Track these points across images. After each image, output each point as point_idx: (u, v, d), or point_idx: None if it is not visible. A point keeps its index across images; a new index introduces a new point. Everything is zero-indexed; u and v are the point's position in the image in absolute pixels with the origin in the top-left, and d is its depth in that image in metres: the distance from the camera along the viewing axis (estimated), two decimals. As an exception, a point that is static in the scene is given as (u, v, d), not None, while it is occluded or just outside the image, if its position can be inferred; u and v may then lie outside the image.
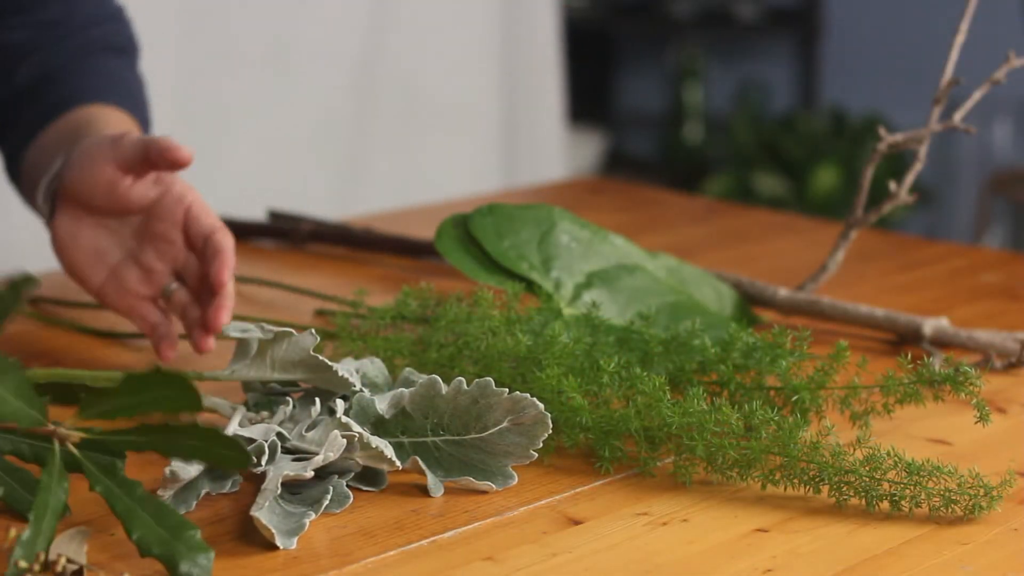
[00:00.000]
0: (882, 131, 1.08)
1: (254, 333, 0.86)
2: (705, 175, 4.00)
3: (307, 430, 0.81)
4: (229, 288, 0.95)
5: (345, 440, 0.79)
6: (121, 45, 1.22)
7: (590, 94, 4.29)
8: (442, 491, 0.82)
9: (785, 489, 0.81)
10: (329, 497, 0.78)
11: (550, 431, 0.81)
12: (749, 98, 4.12)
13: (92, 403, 0.75)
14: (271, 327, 0.86)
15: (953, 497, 0.78)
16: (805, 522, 0.79)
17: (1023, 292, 1.24)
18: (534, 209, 1.03)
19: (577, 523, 0.79)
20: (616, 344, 0.93)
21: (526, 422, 0.81)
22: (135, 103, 1.17)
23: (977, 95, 1.07)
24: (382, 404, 0.83)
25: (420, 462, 0.82)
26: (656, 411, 0.82)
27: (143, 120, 1.17)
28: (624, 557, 0.75)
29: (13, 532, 0.74)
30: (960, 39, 1.07)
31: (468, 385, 0.81)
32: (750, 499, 0.81)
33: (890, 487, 0.79)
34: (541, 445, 0.81)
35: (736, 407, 0.82)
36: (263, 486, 0.77)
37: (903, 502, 0.79)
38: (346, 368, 0.84)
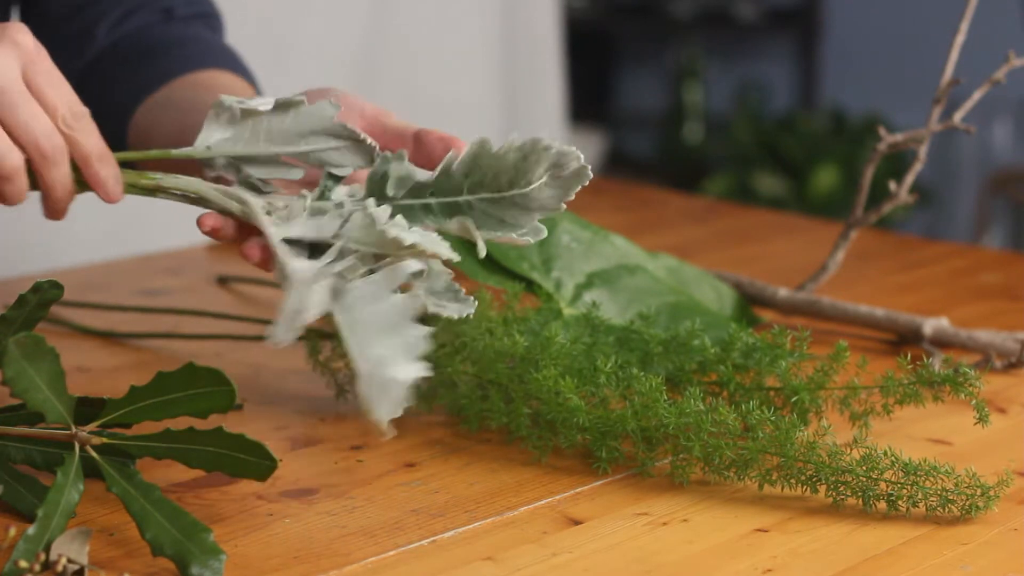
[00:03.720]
0: (882, 131, 1.08)
1: (253, 103, 0.81)
2: (705, 175, 4.00)
3: (336, 213, 0.78)
4: None
5: (414, 265, 0.75)
6: (215, 27, 1.20)
7: (590, 94, 4.29)
8: (485, 250, 0.80)
9: (783, 489, 0.81)
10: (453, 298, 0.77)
11: (587, 182, 0.80)
12: (749, 98, 4.12)
13: (119, 405, 0.75)
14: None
15: (950, 497, 0.78)
16: (805, 522, 0.79)
17: (1023, 292, 1.24)
18: (534, 209, 1.03)
19: (577, 523, 0.79)
20: (616, 344, 0.93)
21: (565, 175, 0.80)
22: (250, 74, 1.14)
23: (977, 95, 1.07)
24: (423, 173, 0.80)
25: (468, 223, 0.79)
26: (653, 411, 0.82)
27: (259, 89, 1.13)
28: (624, 557, 0.75)
29: (13, 531, 0.74)
30: (960, 39, 1.07)
31: (519, 142, 0.79)
32: (750, 499, 0.81)
33: (887, 487, 0.79)
34: (573, 197, 0.80)
35: (735, 407, 0.82)
36: (367, 388, 0.71)
37: (900, 502, 0.79)
38: (365, 136, 0.81)
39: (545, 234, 0.80)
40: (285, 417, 0.94)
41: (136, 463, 0.77)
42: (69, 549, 0.72)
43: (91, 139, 0.85)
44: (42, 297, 0.77)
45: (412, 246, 0.76)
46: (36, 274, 1.18)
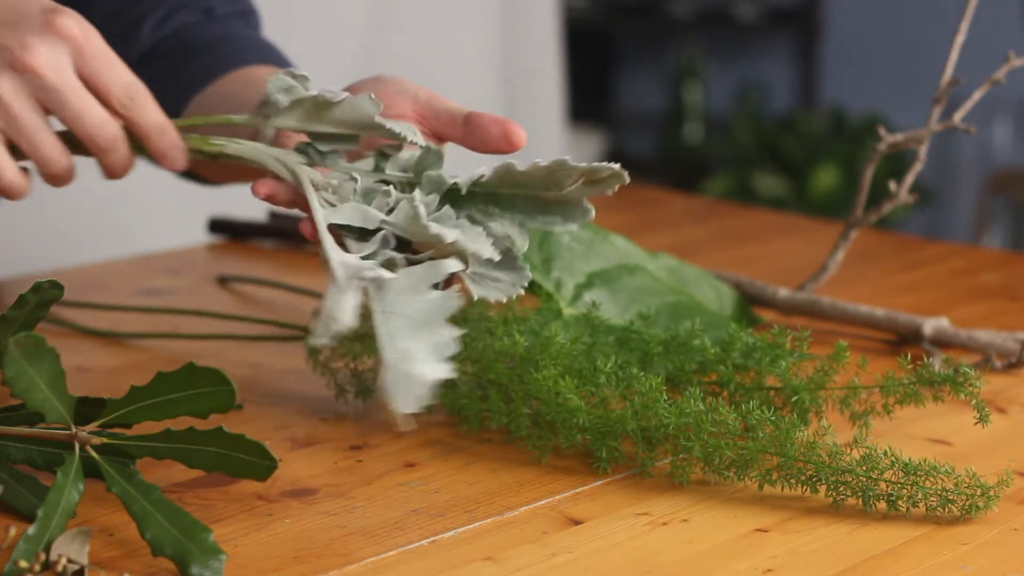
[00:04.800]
0: (882, 131, 1.08)
1: (301, 92, 0.82)
2: (705, 175, 4.00)
3: (389, 212, 0.78)
4: None
5: (454, 264, 0.76)
6: (253, 25, 1.21)
7: (590, 94, 4.29)
8: (527, 244, 0.81)
9: (783, 489, 0.81)
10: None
11: (626, 182, 0.80)
12: (749, 98, 4.12)
13: (119, 405, 0.75)
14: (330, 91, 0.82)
15: (950, 497, 0.78)
16: (805, 522, 0.79)
17: (1023, 292, 1.24)
18: (534, 209, 1.03)
19: (577, 523, 0.79)
20: (616, 344, 0.93)
21: (601, 179, 0.80)
22: (290, 65, 1.15)
23: (977, 95, 1.07)
24: (458, 180, 0.81)
25: (503, 218, 0.81)
26: (653, 411, 0.82)
27: None
28: (624, 557, 0.75)
29: (13, 531, 0.74)
30: (960, 39, 1.07)
31: (544, 162, 0.80)
32: (750, 499, 0.81)
33: (887, 487, 0.79)
34: (616, 190, 0.80)
35: (735, 407, 0.82)
36: (395, 385, 0.72)
37: (900, 502, 0.79)
38: (412, 129, 0.82)
39: (593, 214, 0.81)
40: (285, 417, 0.94)
41: (136, 463, 0.77)
42: (69, 549, 0.72)
43: (148, 115, 0.86)
44: (42, 297, 0.77)
45: (453, 243, 0.77)
46: (36, 274, 1.18)
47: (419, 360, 0.73)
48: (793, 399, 0.87)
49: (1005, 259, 1.41)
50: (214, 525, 0.76)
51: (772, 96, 4.13)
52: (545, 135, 2.59)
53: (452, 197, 0.81)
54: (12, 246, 1.65)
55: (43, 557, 0.71)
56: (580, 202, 0.81)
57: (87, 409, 0.77)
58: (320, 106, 0.82)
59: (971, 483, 0.78)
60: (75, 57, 0.85)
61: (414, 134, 0.82)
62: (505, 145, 0.87)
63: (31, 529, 0.71)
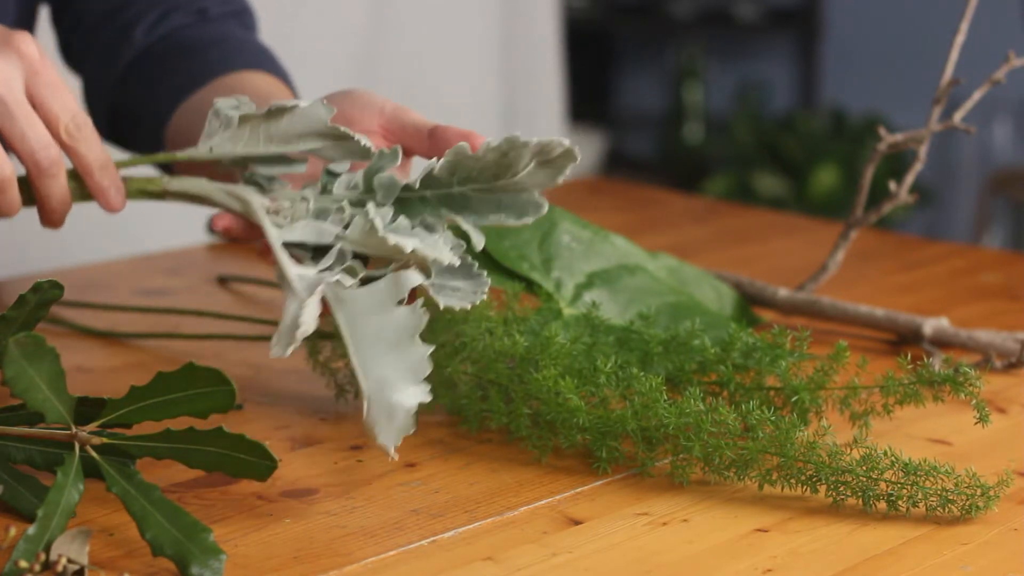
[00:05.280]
0: (882, 131, 1.08)
1: (249, 108, 0.81)
2: (705, 175, 4.00)
3: (344, 227, 0.78)
4: None
5: (416, 277, 0.76)
6: (248, 24, 1.20)
7: (590, 94, 4.29)
8: (483, 241, 0.81)
9: (783, 489, 0.81)
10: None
11: (577, 160, 0.80)
12: (749, 98, 4.12)
13: (119, 405, 0.75)
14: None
15: (950, 497, 0.78)
16: (805, 522, 0.79)
17: (1023, 292, 1.24)
18: (534, 209, 1.03)
19: (577, 523, 0.79)
20: (616, 344, 0.93)
21: (553, 159, 0.80)
22: (284, 72, 1.15)
23: (977, 95, 1.07)
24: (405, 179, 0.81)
25: (456, 219, 0.80)
26: (653, 411, 0.82)
27: (293, 88, 1.14)
28: (624, 557, 0.75)
29: (13, 531, 0.74)
30: (960, 39, 1.07)
31: (495, 143, 0.80)
32: (750, 499, 0.81)
33: (887, 487, 0.79)
34: (568, 174, 0.81)
35: (735, 407, 0.82)
36: (375, 415, 0.74)
37: (900, 502, 0.79)
38: (361, 136, 0.82)
39: (546, 208, 0.82)
40: (285, 417, 0.94)
41: (136, 463, 0.77)
42: (69, 549, 0.72)
43: (93, 149, 0.86)
44: (42, 297, 0.77)
45: (413, 252, 0.76)
46: (36, 274, 1.18)
47: (396, 387, 0.73)
48: (793, 399, 0.87)
49: (1005, 259, 1.41)
50: (214, 525, 0.76)
51: (772, 96, 4.13)
52: (545, 135, 2.59)
53: (404, 205, 0.81)
54: (12, 246, 1.65)
55: (43, 557, 0.71)
56: (533, 195, 0.81)
57: (87, 409, 0.77)
58: (273, 115, 0.81)
59: (971, 483, 0.78)
60: (28, 78, 0.85)
61: (366, 141, 0.82)
62: None
63: (31, 529, 0.71)
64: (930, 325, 1.07)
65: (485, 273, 0.82)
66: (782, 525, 0.78)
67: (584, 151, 4.03)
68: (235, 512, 0.79)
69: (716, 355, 0.90)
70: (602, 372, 0.85)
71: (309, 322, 0.74)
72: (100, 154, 0.86)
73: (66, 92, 0.86)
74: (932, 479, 0.78)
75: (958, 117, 1.06)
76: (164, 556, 0.71)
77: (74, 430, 0.76)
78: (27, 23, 1.18)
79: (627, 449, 0.84)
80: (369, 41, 2.27)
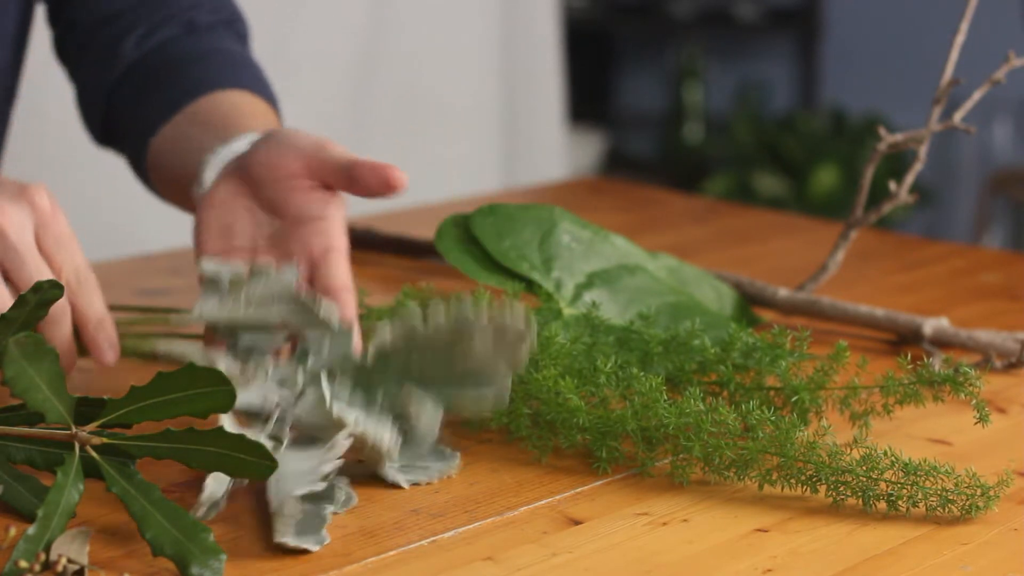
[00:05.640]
0: (882, 131, 1.08)
1: (226, 270, 0.84)
2: (705, 175, 4.00)
3: (297, 399, 0.79)
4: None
5: (349, 440, 0.78)
6: (240, 32, 1.20)
7: (590, 94, 4.29)
8: (436, 423, 0.81)
9: (783, 489, 0.81)
10: (343, 494, 0.78)
11: (532, 343, 0.81)
12: (749, 98, 4.12)
13: (119, 405, 0.75)
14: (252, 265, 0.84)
15: (950, 497, 0.78)
16: (805, 522, 0.79)
17: (1023, 292, 1.24)
18: (535, 209, 1.03)
19: (577, 523, 0.79)
20: (616, 344, 0.93)
21: (508, 341, 0.80)
22: (266, 88, 1.15)
23: (977, 95, 1.07)
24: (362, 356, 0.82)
25: (413, 399, 0.81)
26: (653, 411, 0.82)
27: (274, 103, 1.15)
28: (624, 557, 0.75)
29: (13, 531, 0.74)
30: (960, 39, 1.07)
31: (445, 319, 0.80)
32: (750, 499, 0.81)
33: (887, 487, 0.79)
34: (528, 357, 0.81)
35: (735, 407, 0.82)
36: (277, 511, 0.76)
37: (900, 502, 0.79)
38: (328, 306, 0.83)
39: (507, 400, 0.82)
40: (285, 417, 0.93)
41: (136, 463, 0.77)
42: (69, 549, 0.72)
43: (92, 304, 0.90)
44: (42, 297, 0.77)
45: (355, 428, 0.78)
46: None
47: (295, 533, 0.74)
48: (793, 399, 0.87)
49: (1005, 259, 1.41)
50: (214, 525, 0.76)
51: (772, 96, 4.13)
52: (545, 135, 2.59)
53: (363, 378, 0.82)
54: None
55: (43, 557, 0.71)
56: (493, 374, 0.81)
57: (87, 409, 0.77)
58: (252, 277, 0.84)
59: (971, 483, 0.78)
60: (39, 228, 0.89)
61: (330, 312, 0.83)
62: (386, 190, 0.90)
63: (31, 529, 0.71)
64: (930, 325, 1.07)
65: (457, 454, 0.84)
66: (782, 525, 0.78)
67: (584, 151, 4.04)
68: (235, 512, 0.79)
69: (716, 355, 0.90)
70: (602, 372, 0.85)
71: (223, 501, 0.77)
72: (99, 309, 0.90)
73: (73, 245, 0.89)
74: (932, 479, 0.78)
75: (958, 117, 1.06)
76: (164, 556, 0.71)
77: (74, 430, 0.76)
78: (26, 20, 1.19)
79: (627, 449, 0.84)
80: (369, 41, 2.27)
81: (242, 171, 0.96)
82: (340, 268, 0.92)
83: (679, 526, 0.78)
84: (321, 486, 0.77)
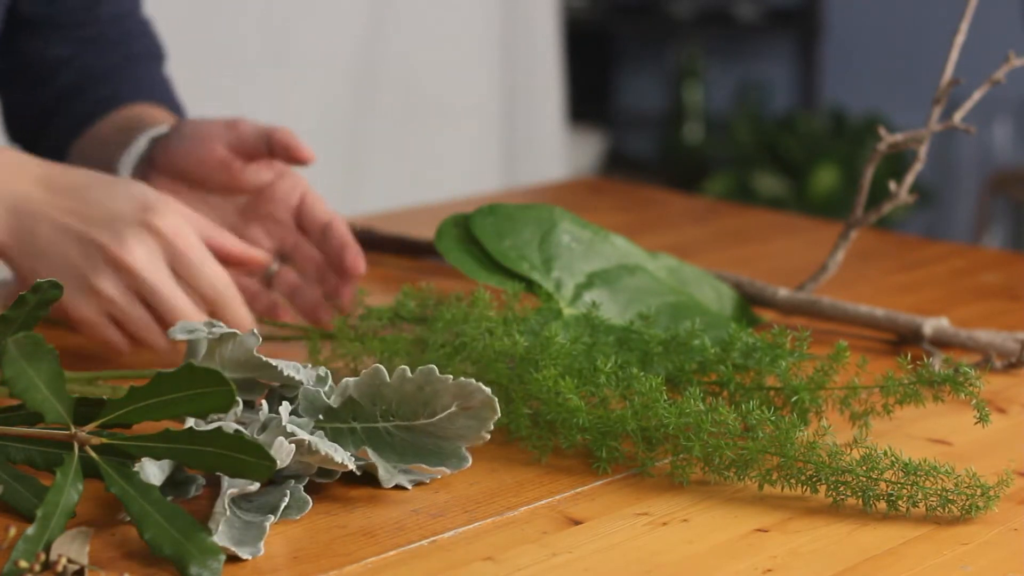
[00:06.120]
0: (882, 131, 1.08)
1: (200, 334, 0.85)
2: (705, 175, 4.00)
3: (258, 432, 0.80)
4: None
5: (293, 446, 0.77)
6: (155, 54, 1.28)
7: (590, 94, 4.29)
8: (395, 482, 0.81)
9: (783, 489, 0.81)
10: (286, 502, 0.77)
11: (499, 415, 0.81)
12: (749, 98, 4.12)
13: (118, 405, 0.75)
14: (218, 327, 0.85)
15: (950, 497, 0.78)
16: (805, 522, 0.79)
17: (1023, 292, 1.24)
18: (535, 209, 1.03)
19: (577, 523, 0.79)
20: (616, 344, 0.93)
21: (474, 407, 0.81)
22: (175, 104, 1.23)
23: (977, 95, 1.07)
24: (330, 395, 0.82)
25: (371, 452, 0.81)
26: (653, 411, 0.82)
27: (178, 111, 1.24)
28: (624, 557, 0.75)
29: (13, 531, 0.74)
30: (960, 39, 1.07)
31: (412, 373, 0.80)
32: (750, 499, 0.81)
33: (887, 487, 0.79)
34: (492, 428, 0.81)
35: (735, 407, 0.82)
36: (214, 508, 0.76)
37: (900, 502, 0.79)
38: (291, 366, 0.83)
39: (469, 463, 0.82)
40: (285, 417, 0.93)
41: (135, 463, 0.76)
42: (69, 549, 0.72)
43: (236, 317, 0.97)
44: (42, 297, 0.77)
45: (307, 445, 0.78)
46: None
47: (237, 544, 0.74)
48: (793, 399, 0.87)
49: (1005, 259, 1.41)
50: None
51: (772, 96, 4.13)
52: (545, 135, 2.59)
53: (330, 435, 0.82)
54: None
55: (43, 557, 0.71)
56: (456, 446, 0.81)
57: (86, 409, 0.77)
58: (223, 340, 0.84)
59: (971, 483, 0.78)
60: (168, 255, 0.94)
61: (297, 372, 0.83)
62: (297, 153, 1.03)
63: (31, 529, 0.71)
64: (930, 325, 1.07)
65: (469, 457, 0.83)
66: (782, 525, 0.78)
67: (584, 151, 4.04)
68: (235, 512, 0.79)
69: (716, 355, 0.90)
70: (602, 372, 0.85)
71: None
72: (243, 321, 0.97)
73: (206, 263, 0.95)
74: (932, 479, 0.78)
75: (958, 117, 1.06)
76: (163, 556, 0.71)
77: (73, 430, 0.76)
78: None
79: (627, 449, 0.84)
80: (369, 41, 2.27)
81: (168, 171, 1.02)
82: (318, 204, 1.05)
83: (679, 526, 0.78)
84: (254, 487, 0.76)
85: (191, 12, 2.00)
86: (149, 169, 1.07)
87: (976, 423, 0.83)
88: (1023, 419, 0.95)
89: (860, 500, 0.79)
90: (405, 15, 2.32)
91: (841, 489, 0.79)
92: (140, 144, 1.09)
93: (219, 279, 0.95)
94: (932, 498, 0.78)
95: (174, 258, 0.94)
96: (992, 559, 0.75)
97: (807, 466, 0.80)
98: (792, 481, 0.80)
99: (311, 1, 2.18)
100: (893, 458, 0.79)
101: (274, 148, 1.03)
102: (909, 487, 0.78)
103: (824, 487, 0.80)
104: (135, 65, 1.24)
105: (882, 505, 0.79)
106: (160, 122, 1.12)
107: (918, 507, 0.79)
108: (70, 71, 1.21)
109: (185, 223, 0.95)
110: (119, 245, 0.93)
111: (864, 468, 0.79)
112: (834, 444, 0.80)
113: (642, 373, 0.84)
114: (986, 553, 0.76)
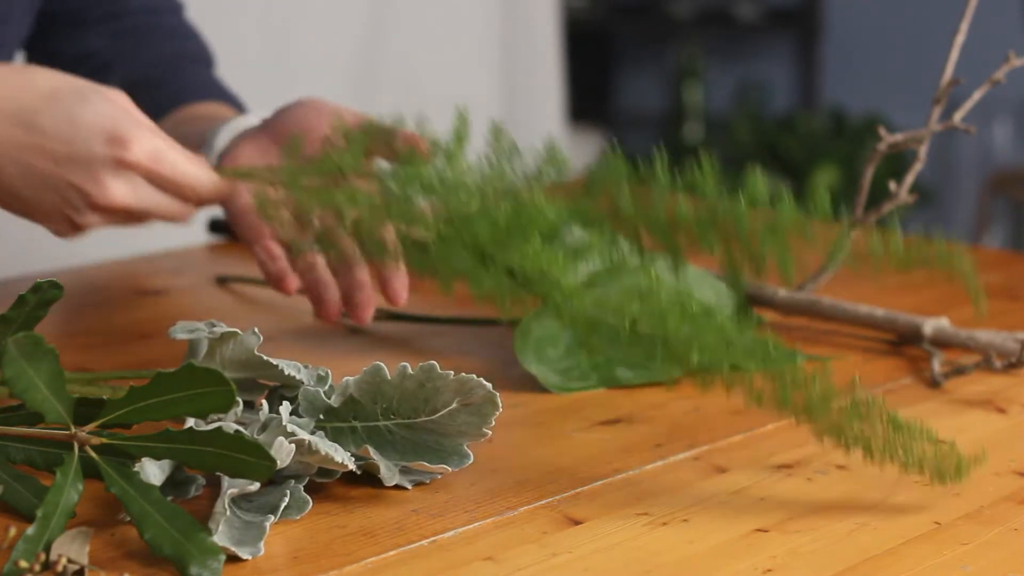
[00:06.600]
0: (882, 131, 1.08)
1: (201, 333, 0.85)
2: (705, 175, 4.00)
3: (258, 432, 0.80)
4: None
5: (293, 446, 0.77)
6: (206, 59, 1.29)
7: (590, 94, 4.29)
8: (396, 480, 0.81)
9: (782, 484, 0.81)
10: (286, 502, 0.77)
11: (500, 410, 0.80)
12: (749, 98, 4.12)
13: (118, 405, 0.75)
14: (219, 326, 0.84)
15: (923, 460, 0.76)
16: (805, 522, 0.79)
17: (1023, 292, 1.24)
18: (534, 209, 1.02)
19: (577, 523, 0.79)
20: (614, 344, 0.93)
21: (475, 402, 0.81)
22: (239, 105, 1.22)
23: (977, 95, 1.07)
24: (330, 395, 0.82)
25: (372, 450, 0.81)
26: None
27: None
28: (624, 557, 0.75)
29: (13, 531, 0.74)
30: (960, 39, 1.07)
31: (412, 370, 0.80)
32: (750, 499, 0.82)
33: (867, 432, 0.76)
34: (493, 423, 0.81)
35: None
36: (214, 508, 0.76)
37: (876, 452, 0.76)
38: (291, 365, 0.84)
39: (471, 460, 0.82)
40: (285, 417, 0.93)
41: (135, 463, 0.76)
42: (69, 549, 0.72)
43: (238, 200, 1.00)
44: (42, 297, 0.77)
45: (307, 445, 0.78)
46: (36, 274, 1.18)
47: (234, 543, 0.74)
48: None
49: (1005, 259, 1.41)
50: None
51: (772, 96, 4.13)
52: (545, 135, 2.59)
53: (331, 434, 0.82)
54: (12, 246, 1.65)
55: (43, 557, 0.71)
56: (457, 443, 0.81)
57: (86, 409, 0.77)
58: (223, 340, 0.84)
59: (949, 453, 0.76)
60: (152, 182, 0.93)
61: (297, 371, 0.83)
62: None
63: (31, 529, 0.71)
64: (930, 325, 1.07)
65: (471, 455, 0.82)
66: (782, 525, 0.78)
67: (584, 151, 4.04)
68: (235, 512, 0.79)
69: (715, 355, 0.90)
70: (595, 247, 0.85)
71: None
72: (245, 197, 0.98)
73: (185, 175, 0.93)
74: (916, 440, 0.76)
75: (958, 117, 1.06)
76: (163, 556, 0.71)
77: (73, 430, 0.75)
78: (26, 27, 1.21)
79: (630, 448, 0.84)
80: (369, 42, 2.27)
81: (271, 131, 1.01)
82: None
83: (679, 526, 0.78)
84: (254, 487, 0.76)
85: (191, 12, 2.00)
86: (251, 134, 1.05)
87: (976, 422, 0.83)
88: (1023, 419, 0.95)
89: (843, 441, 0.77)
90: (405, 15, 2.32)
91: (823, 422, 0.77)
92: (250, 119, 1.08)
93: (200, 174, 0.94)
94: (907, 454, 0.76)
95: (160, 184, 0.92)
96: (992, 559, 0.75)
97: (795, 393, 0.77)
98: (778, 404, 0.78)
99: (311, 1, 2.18)
100: (886, 413, 0.77)
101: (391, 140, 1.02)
102: (887, 439, 0.76)
103: (806, 417, 0.77)
104: (192, 63, 1.24)
105: (859, 452, 0.77)
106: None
107: (892, 461, 0.76)
108: (119, 75, 1.21)
109: (159, 140, 0.92)
110: (100, 190, 0.90)
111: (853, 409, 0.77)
112: (831, 386, 0.78)
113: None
114: (986, 553, 0.76)
